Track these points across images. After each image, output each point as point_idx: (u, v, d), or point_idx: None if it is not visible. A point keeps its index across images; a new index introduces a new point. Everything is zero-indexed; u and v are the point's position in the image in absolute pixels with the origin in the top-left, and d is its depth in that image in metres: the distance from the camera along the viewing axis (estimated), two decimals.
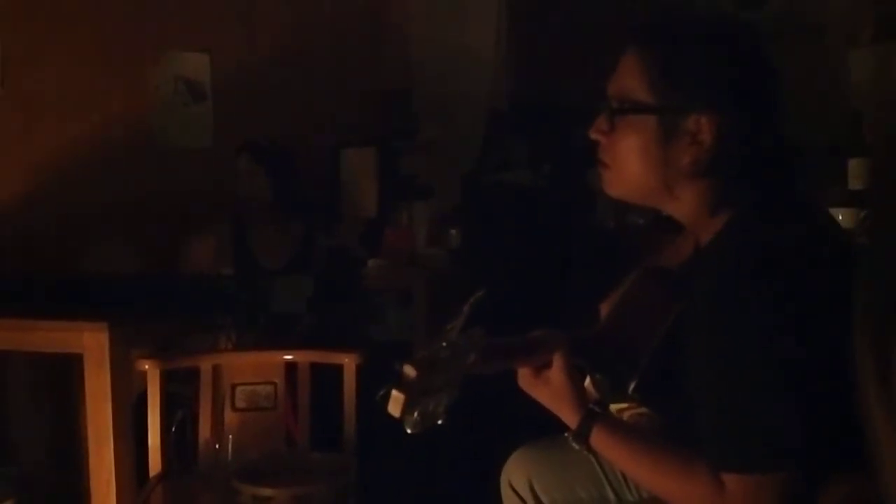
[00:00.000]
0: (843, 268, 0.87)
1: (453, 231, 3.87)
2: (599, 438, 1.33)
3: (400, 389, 1.11)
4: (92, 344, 2.36)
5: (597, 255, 3.50)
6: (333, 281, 3.29)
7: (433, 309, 3.55)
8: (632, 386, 1.38)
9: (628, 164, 1.32)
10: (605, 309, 1.55)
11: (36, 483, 3.04)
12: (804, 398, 1.15)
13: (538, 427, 1.66)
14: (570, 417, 1.34)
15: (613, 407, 1.45)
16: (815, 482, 1.14)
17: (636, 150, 1.30)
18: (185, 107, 3.84)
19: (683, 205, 1.33)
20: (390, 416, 1.12)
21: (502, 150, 4.02)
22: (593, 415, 1.33)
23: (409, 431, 1.13)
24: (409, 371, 1.12)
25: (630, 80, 1.30)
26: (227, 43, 3.90)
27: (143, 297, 2.74)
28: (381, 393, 1.12)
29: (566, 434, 1.36)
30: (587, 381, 1.38)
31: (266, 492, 2.10)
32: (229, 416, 2.44)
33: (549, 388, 1.34)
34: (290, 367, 2.48)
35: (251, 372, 2.47)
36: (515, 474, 1.75)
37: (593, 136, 1.36)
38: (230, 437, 2.40)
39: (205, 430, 2.42)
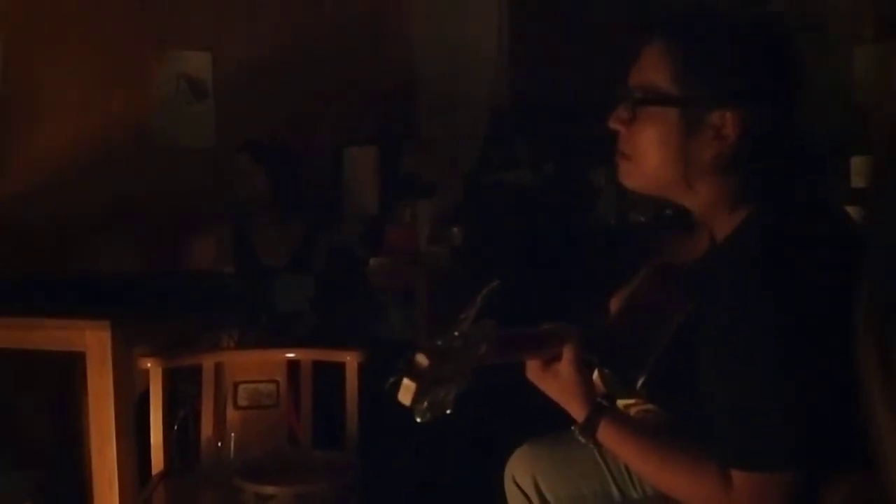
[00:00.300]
0: (858, 268, 0.87)
1: (455, 229, 3.87)
2: (607, 432, 1.33)
3: (411, 378, 1.11)
4: (94, 342, 2.36)
5: (598, 253, 3.50)
6: (335, 279, 3.29)
7: (435, 307, 3.55)
8: (640, 382, 1.38)
9: (648, 156, 1.31)
10: (615, 304, 1.54)
11: (50, 486, 3.04)
12: (816, 399, 1.15)
13: (542, 423, 1.66)
14: (577, 410, 1.34)
15: (620, 403, 1.45)
16: (817, 482, 1.15)
17: (657, 142, 1.29)
18: (187, 105, 3.84)
19: (701, 199, 1.32)
20: (400, 404, 1.11)
21: (504, 148, 4.02)
22: (601, 408, 1.33)
23: (418, 420, 1.13)
24: (421, 360, 1.12)
25: (655, 71, 1.29)
26: (229, 41, 3.89)
27: (145, 296, 2.74)
28: (392, 380, 1.12)
29: (573, 427, 1.35)
30: (595, 376, 1.38)
31: (268, 490, 2.10)
32: (231, 415, 2.44)
33: (557, 380, 1.34)
34: (293, 365, 2.48)
35: (253, 370, 2.48)
36: (519, 470, 1.75)
37: (613, 125, 1.34)
38: (232, 435, 2.41)
39: (207, 428, 2.42)
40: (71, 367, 2.71)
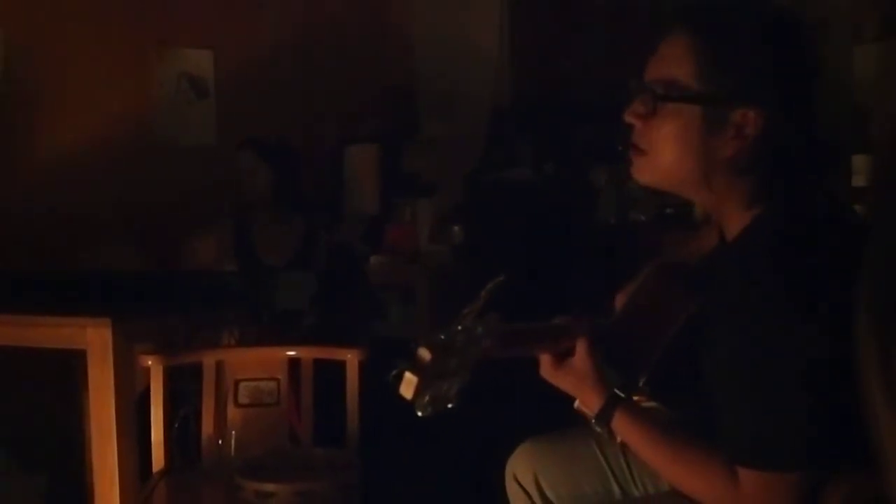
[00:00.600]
0: None
1: (456, 228, 3.88)
2: (621, 423, 1.32)
3: (413, 372, 1.10)
4: (95, 340, 2.35)
5: (599, 252, 3.50)
6: (336, 277, 3.29)
7: (435, 305, 3.56)
8: (642, 380, 1.38)
9: (665, 152, 1.28)
10: (619, 301, 1.53)
11: (56, 487, 3.04)
12: (825, 399, 1.14)
13: (544, 421, 1.66)
14: (593, 401, 1.34)
15: None
16: (820, 482, 1.15)
17: (676, 138, 1.27)
18: (189, 104, 3.84)
19: (715, 197, 1.30)
20: (401, 398, 1.11)
21: (505, 147, 4.02)
22: (616, 398, 1.33)
23: (419, 414, 1.12)
24: (424, 354, 1.11)
25: (677, 65, 1.26)
26: (230, 40, 3.90)
27: (146, 294, 2.74)
28: (394, 373, 1.11)
29: (589, 416, 1.35)
30: None
31: (269, 487, 2.10)
32: (232, 412, 2.44)
33: (572, 374, 1.34)
34: (294, 363, 2.48)
35: (254, 368, 2.47)
36: (521, 468, 1.74)
37: (629, 119, 1.31)
38: (233, 433, 2.41)
39: (208, 426, 2.42)
40: (71, 364, 2.72)
